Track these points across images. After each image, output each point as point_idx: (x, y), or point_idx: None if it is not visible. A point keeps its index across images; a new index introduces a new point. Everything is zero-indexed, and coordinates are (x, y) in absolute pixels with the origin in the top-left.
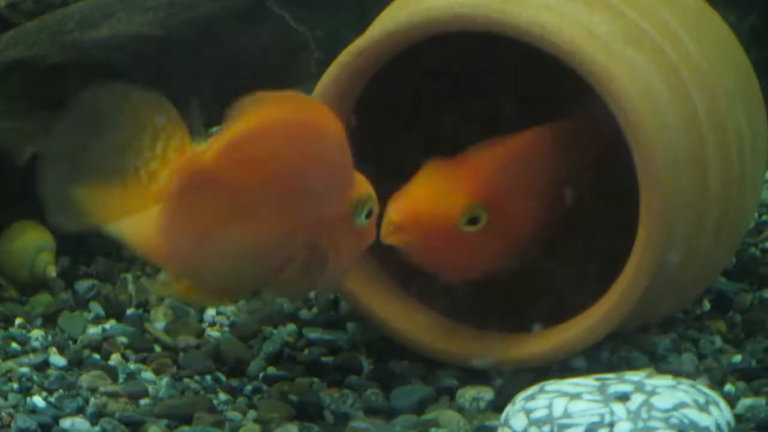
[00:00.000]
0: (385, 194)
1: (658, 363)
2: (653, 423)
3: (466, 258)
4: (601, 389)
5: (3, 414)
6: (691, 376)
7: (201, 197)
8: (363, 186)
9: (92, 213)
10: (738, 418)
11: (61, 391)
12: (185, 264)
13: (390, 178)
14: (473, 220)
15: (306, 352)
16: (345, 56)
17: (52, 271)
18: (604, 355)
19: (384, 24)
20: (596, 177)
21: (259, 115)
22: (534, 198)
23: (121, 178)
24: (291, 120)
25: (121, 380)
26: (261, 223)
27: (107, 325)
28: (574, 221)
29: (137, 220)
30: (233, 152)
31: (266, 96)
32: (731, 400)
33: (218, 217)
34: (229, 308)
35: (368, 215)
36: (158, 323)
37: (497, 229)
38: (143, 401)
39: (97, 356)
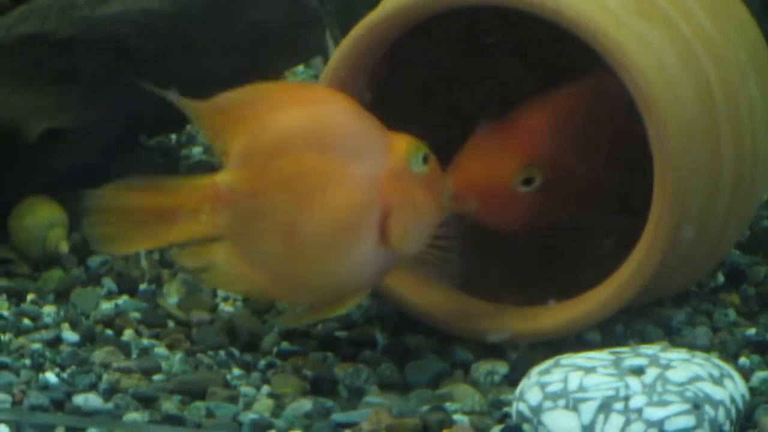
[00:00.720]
0: None
1: (673, 336)
2: (668, 396)
3: (526, 217)
4: (616, 363)
5: (15, 391)
6: (706, 349)
7: (252, 213)
8: (404, 138)
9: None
10: (752, 391)
11: (73, 367)
12: (289, 282)
13: None
14: (528, 181)
15: (319, 326)
16: (358, 30)
17: (64, 247)
18: (618, 329)
19: None
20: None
21: (258, 110)
22: (583, 153)
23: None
24: (292, 103)
25: (134, 356)
26: (321, 204)
27: (120, 301)
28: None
29: (219, 266)
30: (250, 156)
31: (258, 92)
32: (745, 373)
33: (281, 220)
34: None
35: (424, 161)
36: (171, 298)
37: (553, 186)
38: (156, 377)
39: (109, 332)
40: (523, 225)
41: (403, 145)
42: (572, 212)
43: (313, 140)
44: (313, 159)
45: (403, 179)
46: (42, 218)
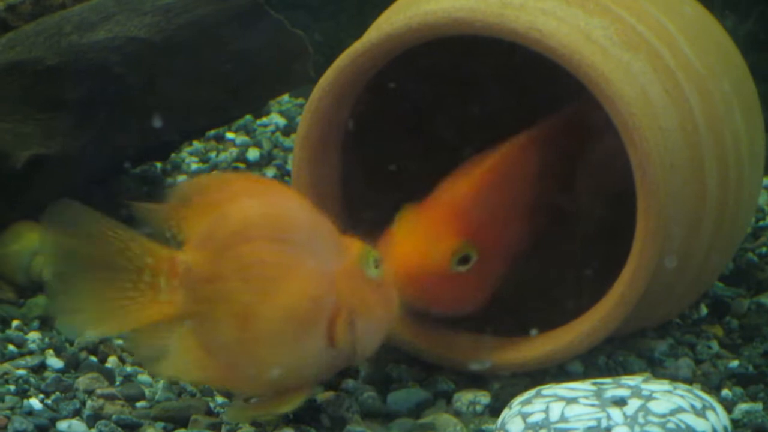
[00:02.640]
0: (384, 199)
1: (655, 367)
2: (650, 428)
3: (465, 294)
4: (598, 394)
5: (0, 416)
6: (688, 381)
7: (210, 297)
8: (356, 242)
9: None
10: (735, 423)
11: (57, 393)
12: (242, 370)
13: (388, 182)
14: (464, 260)
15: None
16: (343, 59)
17: (48, 275)
18: (600, 360)
19: (382, 28)
20: (591, 179)
21: (218, 198)
22: (521, 214)
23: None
24: (252, 196)
25: (117, 383)
26: (278, 294)
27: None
28: (570, 224)
29: (173, 353)
30: (209, 242)
31: (219, 181)
32: (728, 406)
33: (237, 307)
34: None
35: (376, 265)
36: None
37: (490, 259)
38: (140, 404)
39: (93, 359)
40: (466, 304)
41: (356, 247)
42: (516, 272)
43: (271, 231)
44: (270, 249)
45: (356, 280)
46: (27, 245)
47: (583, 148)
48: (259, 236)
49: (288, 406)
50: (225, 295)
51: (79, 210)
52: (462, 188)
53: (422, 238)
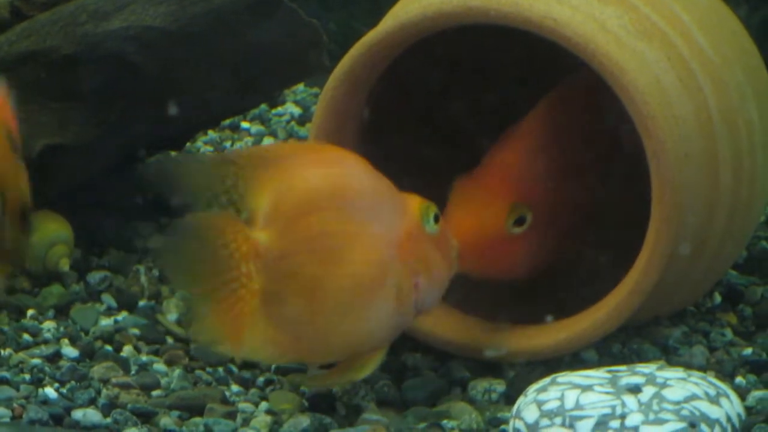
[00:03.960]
0: (399, 187)
1: (669, 355)
2: (664, 415)
3: (524, 258)
4: (613, 381)
5: (15, 405)
6: (702, 368)
7: (279, 274)
8: (415, 199)
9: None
10: (748, 410)
11: (72, 382)
12: (312, 343)
13: (406, 171)
14: (520, 221)
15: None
16: (358, 48)
17: (64, 265)
18: (615, 347)
19: (397, 16)
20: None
21: (280, 170)
22: (569, 172)
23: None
24: (313, 165)
25: (133, 372)
26: (344, 264)
27: (119, 317)
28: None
29: (244, 335)
30: (277, 217)
31: (279, 151)
32: (742, 393)
33: (305, 280)
34: None
35: (436, 220)
36: (170, 315)
37: (544, 220)
38: (155, 392)
39: (109, 348)
40: (525, 268)
41: (416, 206)
42: (571, 241)
43: (336, 201)
44: (335, 219)
45: (417, 239)
46: (44, 236)
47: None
48: (325, 207)
49: (364, 371)
50: (293, 268)
51: (188, 224)
52: (508, 152)
53: (477, 203)
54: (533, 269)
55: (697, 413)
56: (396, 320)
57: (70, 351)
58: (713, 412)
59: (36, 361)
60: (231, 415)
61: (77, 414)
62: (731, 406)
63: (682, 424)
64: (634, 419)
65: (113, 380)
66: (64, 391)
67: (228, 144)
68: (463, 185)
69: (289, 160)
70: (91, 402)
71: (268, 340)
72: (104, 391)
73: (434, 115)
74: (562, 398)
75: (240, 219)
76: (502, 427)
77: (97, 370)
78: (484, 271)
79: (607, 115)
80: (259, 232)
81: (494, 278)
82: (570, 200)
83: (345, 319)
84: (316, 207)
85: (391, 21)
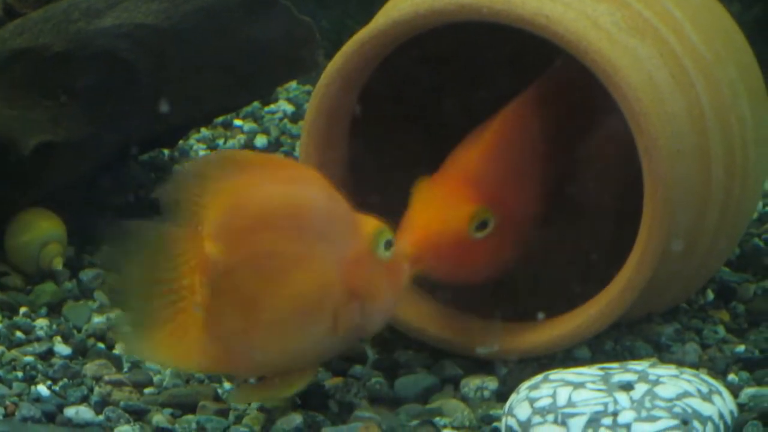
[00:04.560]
0: (390, 185)
1: (662, 353)
2: (657, 412)
3: (486, 261)
4: (605, 378)
5: (7, 402)
6: (695, 365)
7: (222, 287)
8: (370, 222)
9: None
10: (741, 407)
11: (65, 379)
12: (243, 357)
13: (396, 167)
14: (482, 225)
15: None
16: (350, 46)
17: (58, 264)
18: (607, 345)
19: (389, 14)
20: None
21: (237, 184)
22: (533, 176)
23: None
24: (270, 181)
25: (125, 369)
26: (287, 285)
27: (112, 314)
28: (576, 202)
29: (176, 345)
30: (227, 232)
31: (235, 161)
32: (734, 390)
33: (246, 296)
34: None
35: (387, 246)
36: None
37: (508, 223)
38: (148, 390)
39: (101, 345)
40: (487, 271)
41: (369, 230)
42: (540, 243)
43: (288, 221)
44: (284, 239)
45: (366, 264)
46: (37, 236)
47: (585, 105)
48: (276, 226)
49: (292, 389)
50: (236, 283)
51: (135, 226)
52: (472, 155)
53: (439, 207)
54: (497, 272)
55: (690, 410)
56: (331, 343)
57: (62, 348)
58: (706, 409)
59: (28, 358)
60: (223, 413)
61: (70, 411)
62: (724, 404)
63: (674, 422)
64: (626, 416)
65: (106, 378)
66: (56, 388)
67: (221, 142)
68: (426, 187)
69: (250, 174)
70: (84, 399)
71: (196, 349)
72: (97, 389)
73: (426, 112)
74: (554, 395)
75: (198, 231)
76: (495, 424)
77: (90, 367)
78: (446, 274)
79: (582, 113)
80: (210, 246)
81: (457, 281)
82: (539, 202)
83: (279, 339)
84: (268, 225)
85: (383, 18)
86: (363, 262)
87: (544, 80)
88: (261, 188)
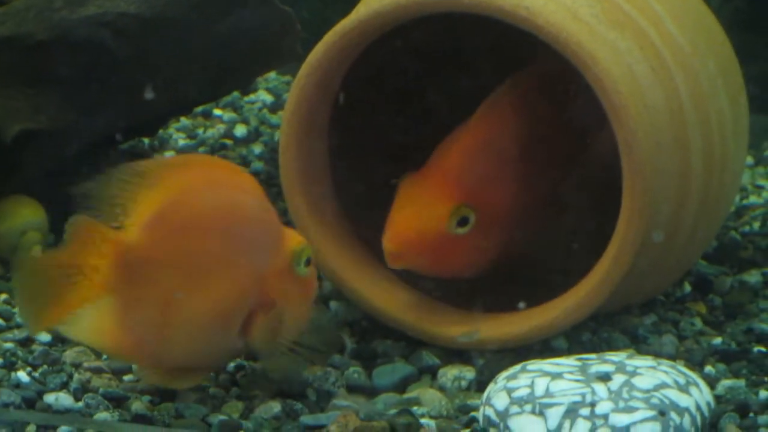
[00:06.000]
0: (373, 173)
1: (639, 344)
2: (634, 403)
3: (467, 257)
4: (583, 369)
5: None
6: (672, 357)
7: (142, 278)
8: (296, 238)
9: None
10: (718, 399)
11: (45, 366)
12: (152, 349)
13: (377, 157)
14: (463, 221)
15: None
16: (331, 36)
17: (36, 252)
18: (585, 336)
19: (371, 4)
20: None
21: (175, 183)
22: (516, 172)
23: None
24: (208, 185)
25: (105, 356)
26: (207, 288)
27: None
28: (560, 196)
29: (88, 319)
30: (157, 226)
31: (174, 161)
32: (711, 382)
33: (166, 291)
34: None
35: (307, 263)
36: None
37: (490, 219)
38: (127, 377)
39: None
40: (468, 268)
41: (292, 245)
42: (523, 239)
43: (218, 224)
44: (211, 242)
45: (283, 278)
46: (16, 223)
47: (567, 100)
48: (206, 228)
49: (184, 384)
50: (158, 277)
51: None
52: (453, 152)
53: (420, 204)
54: (480, 267)
55: (667, 401)
56: (237, 350)
57: (42, 335)
58: (683, 400)
59: (8, 345)
60: (202, 401)
61: (49, 398)
62: (701, 395)
63: (651, 412)
64: (603, 407)
65: (85, 365)
66: (36, 375)
67: (200, 131)
68: (408, 185)
69: (190, 176)
70: (64, 386)
71: (107, 334)
72: (76, 376)
73: (408, 101)
74: (532, 386)
75: (104, 221)
76: (472, 414)
77: (70, 354)
78: (430, 270)
79: (561, 108)
80: (125, 234)
81: (439, 276)
82: (521, 197)
83: (190, 337)
84: (197, 226)
85: (364, 9)
86: (282, 276)
87: (524, 74)
88: (197, 190)
